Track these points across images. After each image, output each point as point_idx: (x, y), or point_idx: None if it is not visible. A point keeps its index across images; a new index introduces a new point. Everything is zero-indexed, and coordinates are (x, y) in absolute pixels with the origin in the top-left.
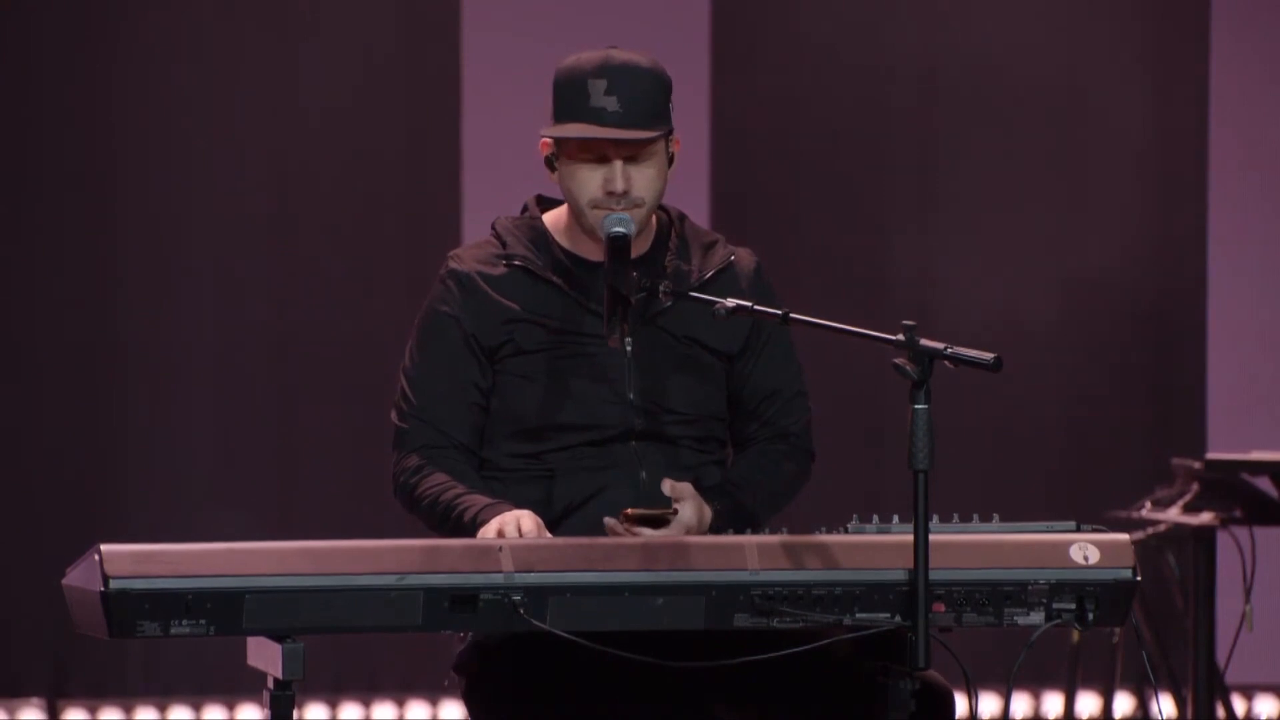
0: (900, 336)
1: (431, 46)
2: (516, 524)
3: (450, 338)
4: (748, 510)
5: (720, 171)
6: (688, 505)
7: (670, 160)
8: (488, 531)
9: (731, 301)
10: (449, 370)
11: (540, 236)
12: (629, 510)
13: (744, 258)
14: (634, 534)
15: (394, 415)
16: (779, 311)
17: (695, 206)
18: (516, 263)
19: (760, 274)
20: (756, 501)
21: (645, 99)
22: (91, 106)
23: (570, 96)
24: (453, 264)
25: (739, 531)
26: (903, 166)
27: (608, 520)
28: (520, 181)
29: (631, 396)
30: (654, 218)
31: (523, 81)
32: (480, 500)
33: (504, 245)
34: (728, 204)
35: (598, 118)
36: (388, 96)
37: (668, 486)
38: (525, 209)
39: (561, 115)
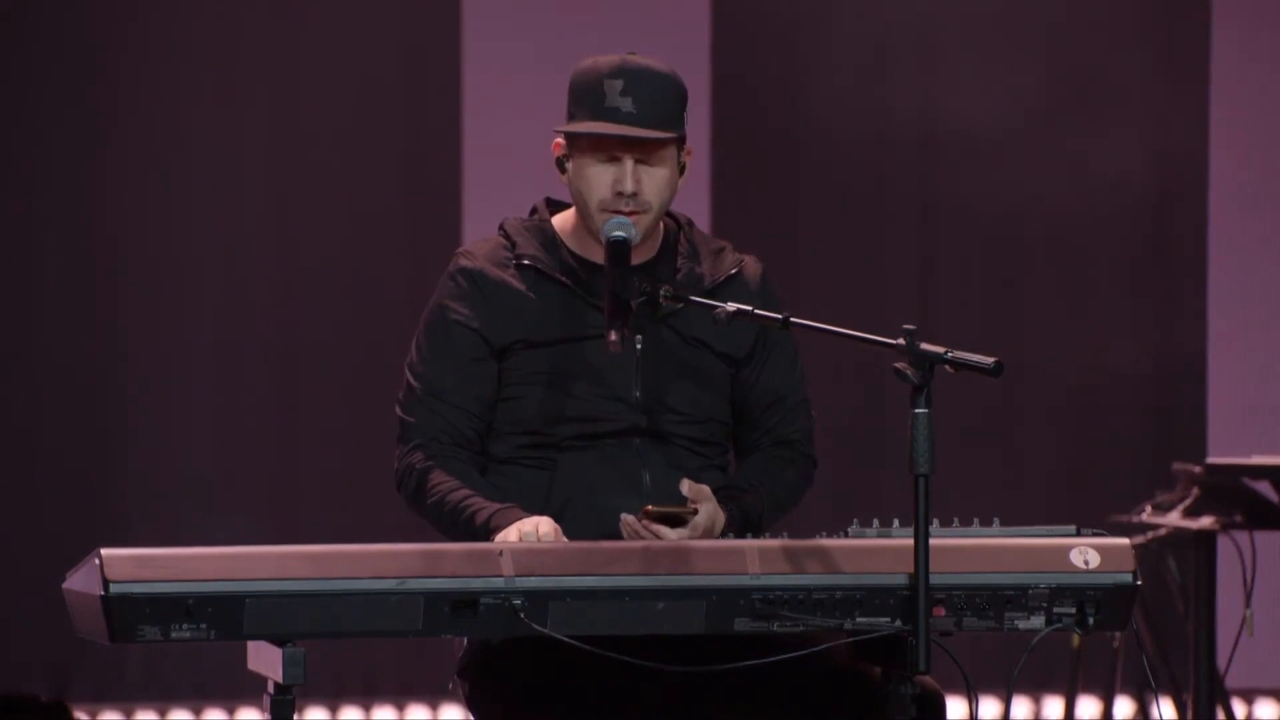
0: (901, 341)
1: (432, 52)
2: (536, 530)
3: (460, 340)
4: (753, 515)
5: (720, 171)
6: (705, 507)
7: (681, 170)
8: (508, 537)
9: (732, 306)
10: (457, 372)
11: (548, 238)
12: (649, 507)
13: (750, 264)
14: (652, 531)
15: (399, 409)
16: (780, 316)
17: (695, 207)
18: (525, 262)
19: (766, 281)
20: (761, 507)
21: (661, 102)
22: (91, 108)
23: (586, 96)
24: (463, 261)
25: (740, 536)
26: (904, 168)
27: (625, 517)
28: (521, 187)
29: (637, 394)
30: (661, 224)
31: (523, 87)
32: (491, 504)
33: (513, 245)
34: (728, 204)
35: (612, 117)
36: (389, 103)
37: (685, 486)
38: (534, 211)
39: (576, 114)
